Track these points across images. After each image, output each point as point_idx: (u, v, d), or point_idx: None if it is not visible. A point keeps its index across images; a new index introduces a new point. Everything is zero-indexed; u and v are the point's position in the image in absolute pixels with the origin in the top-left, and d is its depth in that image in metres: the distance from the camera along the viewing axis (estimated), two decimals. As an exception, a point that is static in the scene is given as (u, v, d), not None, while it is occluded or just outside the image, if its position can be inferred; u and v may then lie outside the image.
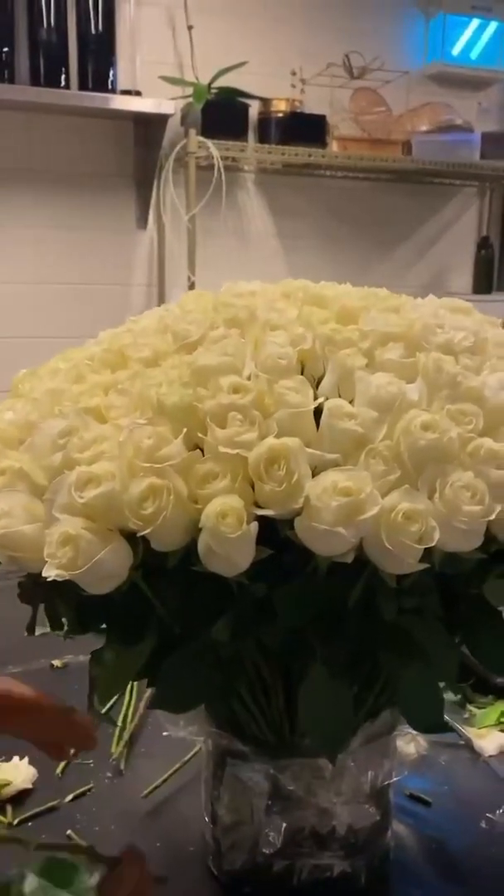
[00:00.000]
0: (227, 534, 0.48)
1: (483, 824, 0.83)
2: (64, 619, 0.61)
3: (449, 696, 0.96)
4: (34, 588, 0.59)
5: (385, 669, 0.56)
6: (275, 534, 0.51)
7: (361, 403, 0.53)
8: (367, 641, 0.53)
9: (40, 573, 0.53)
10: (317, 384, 0.58)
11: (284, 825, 0.69)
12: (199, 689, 0.57)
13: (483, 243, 2.92)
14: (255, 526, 0.49)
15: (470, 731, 0.97)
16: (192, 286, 2.36)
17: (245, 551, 0.49)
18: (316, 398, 0.54)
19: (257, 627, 0.52)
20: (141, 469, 0.50)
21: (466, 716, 1.01)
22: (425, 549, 0.49)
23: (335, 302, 0.64)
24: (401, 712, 0.61)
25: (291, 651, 0.55)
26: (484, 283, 2.91)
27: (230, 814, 0.71)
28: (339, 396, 0.56)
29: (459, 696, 1.03)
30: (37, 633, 0.65)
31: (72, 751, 0.64)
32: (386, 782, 0.72)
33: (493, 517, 0.48)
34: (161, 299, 2.51)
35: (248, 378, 0.56)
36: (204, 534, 0.49)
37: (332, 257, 2.72)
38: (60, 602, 0.59)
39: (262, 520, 0.50)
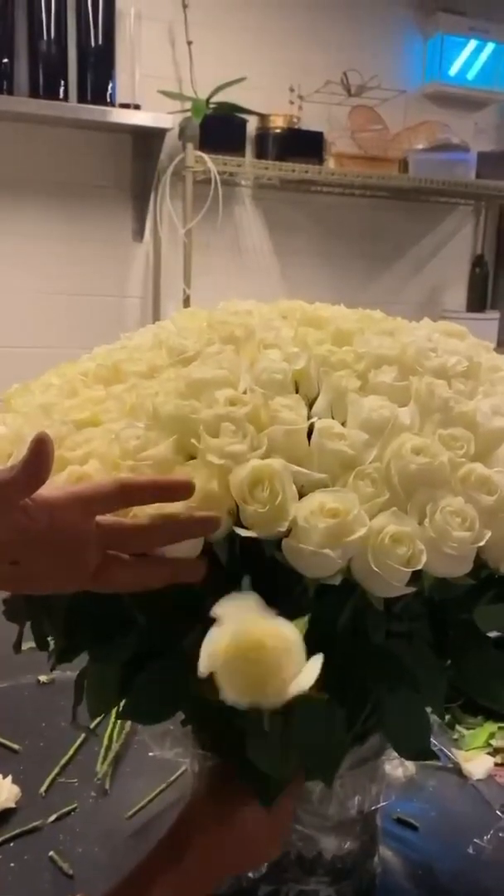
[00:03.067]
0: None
1: (470, 850, 0.82)
2: (50, 638, 0.60)
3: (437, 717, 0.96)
4: (21, 606, 0.58)
5: (373, 694, 0.56)
6: (263, 555, 0.51)
7: (353, 425, 0.53)
8: (356, 665, 0.53)
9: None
10: (310, 405, 0.57)
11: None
12: (171, 702, 0.56)
13: (478, 261, 2.93)
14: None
15: (458, 755, 0.96)
16: (187, 300, 2.36)
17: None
18: (310, 419, 0.54)
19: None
20: (120, 468, 0.50)
21: (455, 737, 1.01)
22: (415, 573, 0.49)
23: (331, 323, 0.64)
24: (386, 737, 0.60)
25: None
26: (478, 300, 2.92)
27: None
28: (333, 418, 0.55)
29: (449, 717, 1.03)
30: (23, 647, 0.65)
31: None
32: (373, 807, 0.71)
33: (482, 543, 0.48)
34: (156, 312, 2.51)
35: (244, 392, 0.56)
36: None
37: (328, 273, 2.73)
38: (47, 620, 0.58)
39: (249, 540, 0.50)
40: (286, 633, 0.43)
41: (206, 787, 0.61)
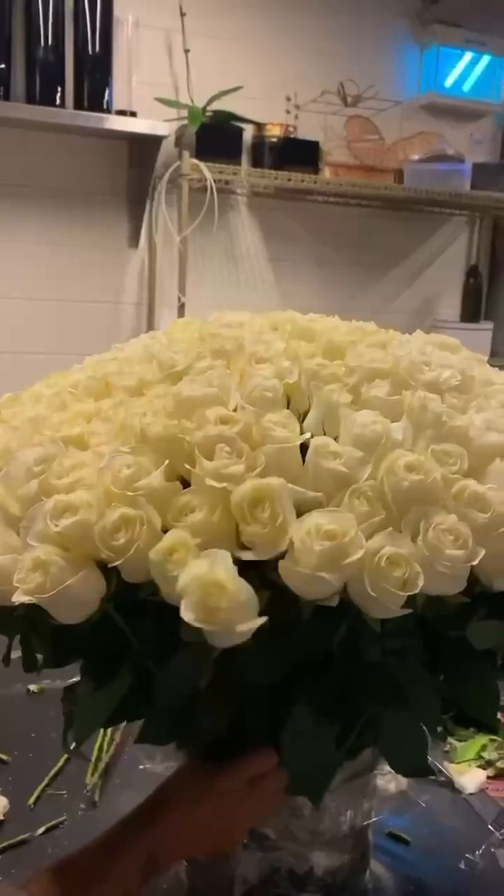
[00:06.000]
0: (170, 571, 0.47)
1: (462, 865, 0.81)
2: (39, 655, 0.60)
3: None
4: (8, 621, 0.57)
5: (367, 710, 0.55)
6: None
7: (346, 441, 0.52)
8: (350, 683, 0.52)
9: (13, 606, 0.52)
10: (302, 418, 0.57)
11: (261, 865, 0.68)
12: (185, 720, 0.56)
13: (472, 272, 2.93)
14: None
15: (450, 768, 0.96)
16: (181, 307, 2.35)
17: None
18: (301, 433, 0.54)
19: (236, 672, 0.51)
20: (115, 498, 0.50)
21: (446, 749, 1.00)
22: (408, 591, 0.48)
23: (322, 336, 0.63)
24: (383, 755, 0.59)
25: (273, 692, 0.54)
26: (472, 311, 2.92)
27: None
28: (324, 432, 0.55)
29: (439, 730, 1.02)
30: (12, 656, 0.64)
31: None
32: (365, 822, 0.70)
33: (476, 562, 0.47)
34: (150, 319, 2.50)
35: (234, 410, 0.55)
36: (151, 568, 0.48)
37: (322, 282, 2.72)
38: (35, 637, 0.57)
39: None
40: (247, 590, 0.47)
41: (191, 762, 0.63)
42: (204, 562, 0.47)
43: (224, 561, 0.47)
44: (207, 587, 0.46)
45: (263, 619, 0.47)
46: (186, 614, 0.46)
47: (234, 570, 0.47)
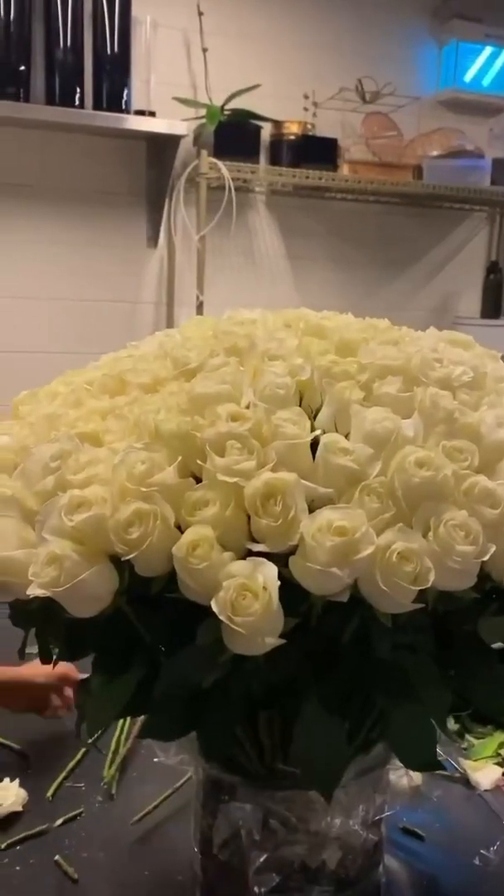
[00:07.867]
0: (195, 565, 0.48)
1: (477, 861, 0.81)
2: (53, 648, 0.61)
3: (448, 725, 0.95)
4: (24, 615, 0.59)
5: (377, 705, 0.56)
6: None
7: (357, 438, 0.52)
8: (361, 678, 0.52)
9: (29, 599, 0.53)
10: (314, 415, 0.57)
11: (274, 859, 0.68)
12: (191, 719, 0.56)
13: (492, 268, 2.92)
14: (228, 556, 0.49)
15: (466, 764, 0.96)
16: (200, 305, 2.36)
17: (214, 582, 0.48)
18: (313, 429, 0.54)
19: (248, 668, 0.51)
20: (130, 493, 0.51)
21: (464, 746, 1.00)
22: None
23: (335, 333, 0.63)
24: (392, 749, 0.60)
25: (284, 686, 0.55)
26: (492, 307, 2.91)
27: (220, 846, 0.70)
28: (336, 429, 0.55)
29: (458, 727, 1.02)
30: (28, 650, 0.65)
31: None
32: (378, 817, 0.71)
33: (486, 558, 0.48)
34: (170, 317, 2.52)
35: (247, 407, 0.55)
36: (175, 563, 0.49)
37: (341, 279, 2.72)
38: (49, 630, 0.58)
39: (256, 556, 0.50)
40: (278, 606, 0.48)
41: None
42: (248, 564, 0.48)
43: (270, 570, 0.48)
44: (244, 588, 0.47)
45: (283, 641, 0.48)
46: (216, 607, 0.47)
47: (275, 580, 0.48)
